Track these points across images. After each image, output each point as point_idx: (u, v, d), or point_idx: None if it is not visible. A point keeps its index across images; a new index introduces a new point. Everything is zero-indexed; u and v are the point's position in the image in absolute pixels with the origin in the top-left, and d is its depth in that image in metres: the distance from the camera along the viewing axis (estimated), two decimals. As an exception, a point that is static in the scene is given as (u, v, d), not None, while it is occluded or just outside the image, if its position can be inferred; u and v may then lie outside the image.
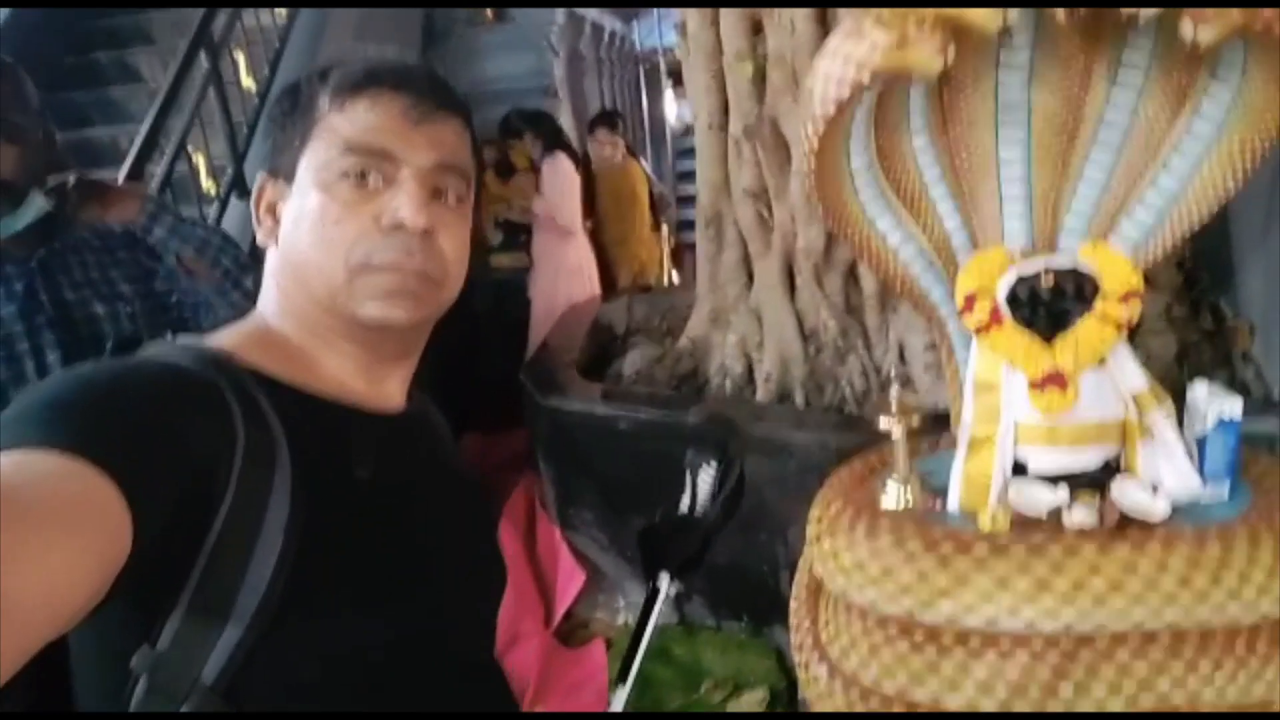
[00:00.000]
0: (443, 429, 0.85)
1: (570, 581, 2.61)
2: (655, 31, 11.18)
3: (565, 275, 4.22)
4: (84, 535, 0.50)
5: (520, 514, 2.87)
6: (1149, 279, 2.29)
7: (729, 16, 2.27)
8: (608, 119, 4.89)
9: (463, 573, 0.76)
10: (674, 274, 4.14)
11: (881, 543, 1.35)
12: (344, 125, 0.67)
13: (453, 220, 0.71)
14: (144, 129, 2.91)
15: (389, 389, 0.74)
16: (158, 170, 3.12)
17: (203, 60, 3.37)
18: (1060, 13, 1.23)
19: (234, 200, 3.47)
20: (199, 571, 0.57)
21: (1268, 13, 1.20)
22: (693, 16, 2.40)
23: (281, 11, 4.14)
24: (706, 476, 1.08)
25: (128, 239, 1.51)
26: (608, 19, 8.58)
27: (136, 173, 2.83)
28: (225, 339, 0.69)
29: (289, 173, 0.69)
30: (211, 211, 3.37)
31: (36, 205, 1.37)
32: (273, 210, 0.71)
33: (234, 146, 3.51)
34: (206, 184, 3.45)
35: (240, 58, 3.83)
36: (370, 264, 0.67)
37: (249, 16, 3.91)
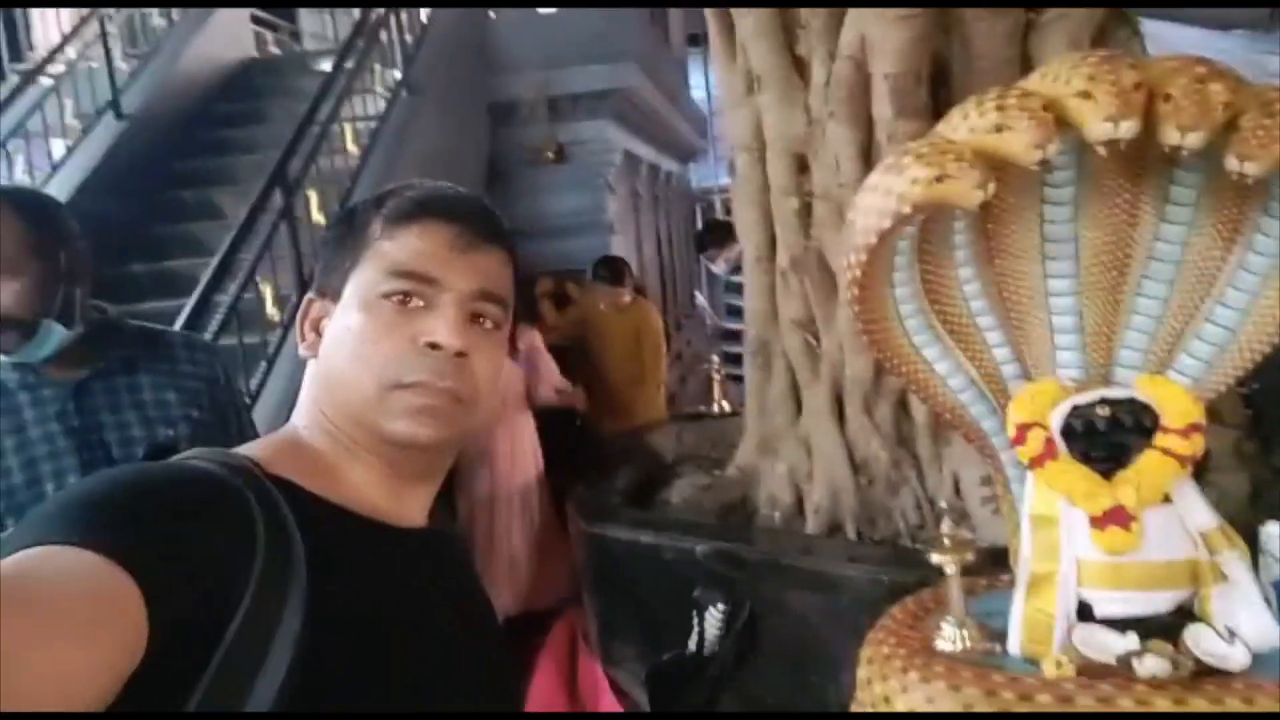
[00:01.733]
0: (462, 551, 0.86)
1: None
2: (712, 172, 11.62)
3: (522, 454, 3.83)
4: (99, 630, 0.50)
5: (562, 649, 2.79)
6: (1216, 415, 2.22)
7: (775, 154, 2.34)
8: (609, 266, 4.83)
9: (473, 695, 0.74)
10: (724, 403, 4.12)
11: (936, 689, 1.27)
12: (393, 250, 0.71)
13: (488, 345, 0.73)
14: (216, 260, 3.08)
15: (411, 507, 0.75)
16: (226, 298, 3.28)
17: (277, 197, 3.59)
18: (1101, 146, 1.24)
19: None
20: (208, 679, 0.56)
21: (1316, 146, 1.19)
22: (741, 155, 2.49)
23: (354, 153, 4.42)
24: (714, 616, 1.04)
25: (175, 361, 1.53)
26: (664, 160, 8.95)
27: (206, 299, 2.98)
28: (257, 448, 0.71)
29: (336, 292, 0.73)
30: (274, 337, 3.51)
31: (56, 334, 1.40)
32: (316, 326, 0.74)
33: (300, 277, 3.69)
34: (271, 311, 3.61)
35: (313, 195, 4.07)
36: (402, 382, 0.68)
37: (324, 159, 4.17)
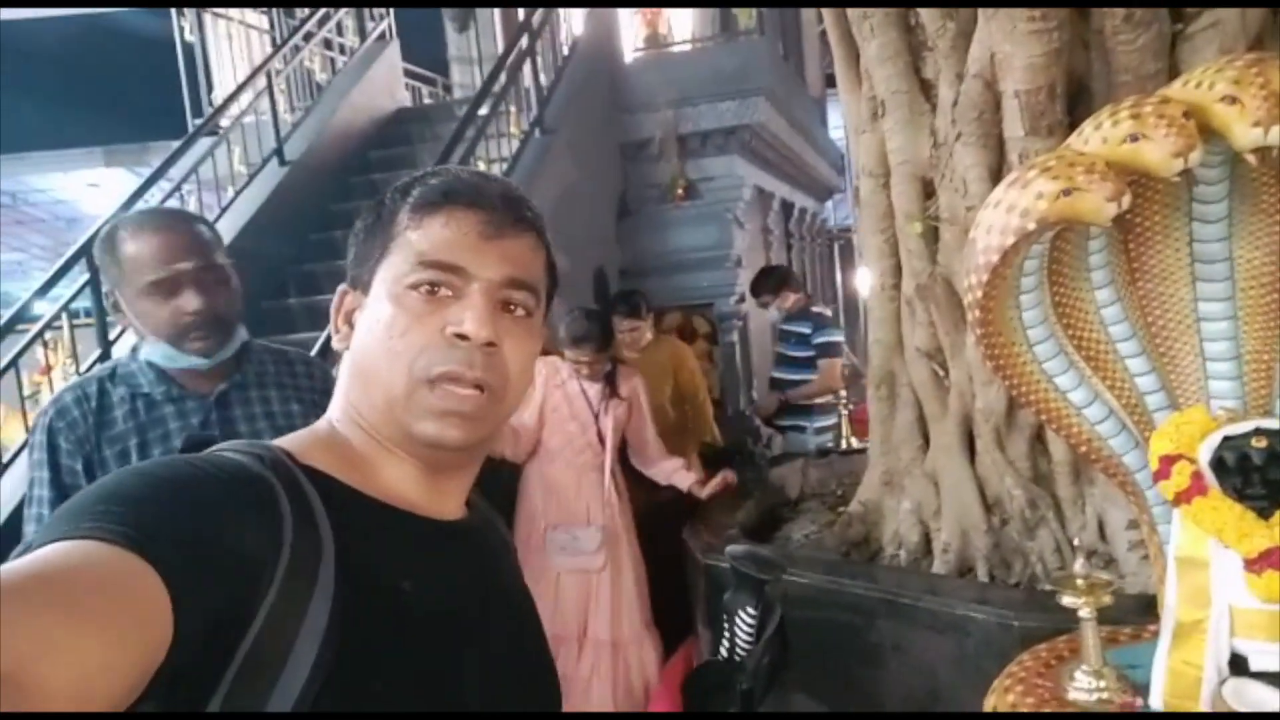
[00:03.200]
0: (501, 542, 0.83)
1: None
2: (852, 211, 11.50)
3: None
4: (124, 626, 0.50)
5: (679, 679, 2.74)
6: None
7: (900, 179, 2.28)
8: (627, 300, 3.96)
9: (507, 691, 0.72)
10: (853, 440, 4.00)
11: (1067, 741, 1.18)
12: (420, 240, 0.70)
13: (520, 333, 0.71)
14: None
15: (446, 500, 0.74)
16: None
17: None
18: (1251, 155, 1.14)
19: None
20: (234, 671, 0.56)
21: None
22: (866, 181, 2.43)
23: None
24: (745, 621, 0.99)
25: (296, 375, 1.63)
26: (800, 196, 8.88)
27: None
28: (291, 441, 0.71)
29: (366, 284, 0.72)
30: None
31: (239, 338, 1.53)
32: (349, 318, 0.73)
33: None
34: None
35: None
36: (430, 374, 0.67)
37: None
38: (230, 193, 5.20)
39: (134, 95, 8.66)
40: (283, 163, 5.35)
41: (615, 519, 3.06)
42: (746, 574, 1.04)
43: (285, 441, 0.71)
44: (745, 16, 6.72)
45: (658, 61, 6.91)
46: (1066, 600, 1.30)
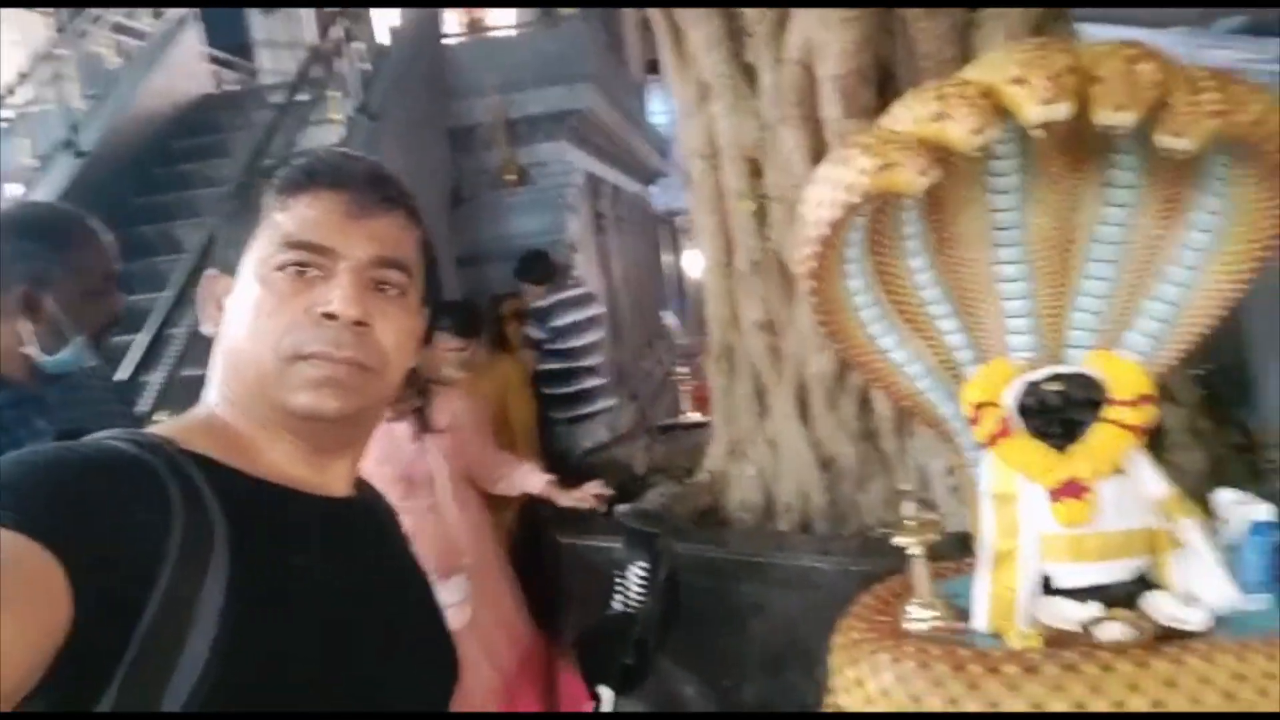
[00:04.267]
0: (391, 518, 0.83)
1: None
2: (677, 195, 11.75)
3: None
4: (24, 608, 0.50)
5: (538, 669, 2.76)
6: (1170, 395, 2.28)
7: (729, 160, 2.38)
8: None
9: (407, 665, 0.73)
10: (696, 415, 4.14)
11: (905, 668, 1.29)
12: (285, 221, 0.69)
13: (394, 312, 0.71)
14: (171, 293, 3.04)
15: (332, 477, 0.73)
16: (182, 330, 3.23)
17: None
18: (1038, 130, 1.28)
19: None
20: (132, 654, 0.56)
21: (1245, 118, 1.23)
22: (696, 163, 2.52)
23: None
24: (636, 575, 1.04)
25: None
26: (627, 181, 9.00)
27: (160, 333, 2.93)
28: (167, 426, 0.70)
29: (234, 267, 0.71)
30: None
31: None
32: (219, 303, 0.73)
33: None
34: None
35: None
36: (299, 353, 0.67)
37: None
38: (21, 188, 4.75)
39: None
40: (78, 154, 4.92)
41: (481, 554, 2.79)
42: (635, 529, 1.08)
43: (163, 428, 0.69)
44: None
45: (482, 47, 6.84)
46: (898, 540, 1.42)
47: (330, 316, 0.67)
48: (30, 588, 0.51)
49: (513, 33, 7.48)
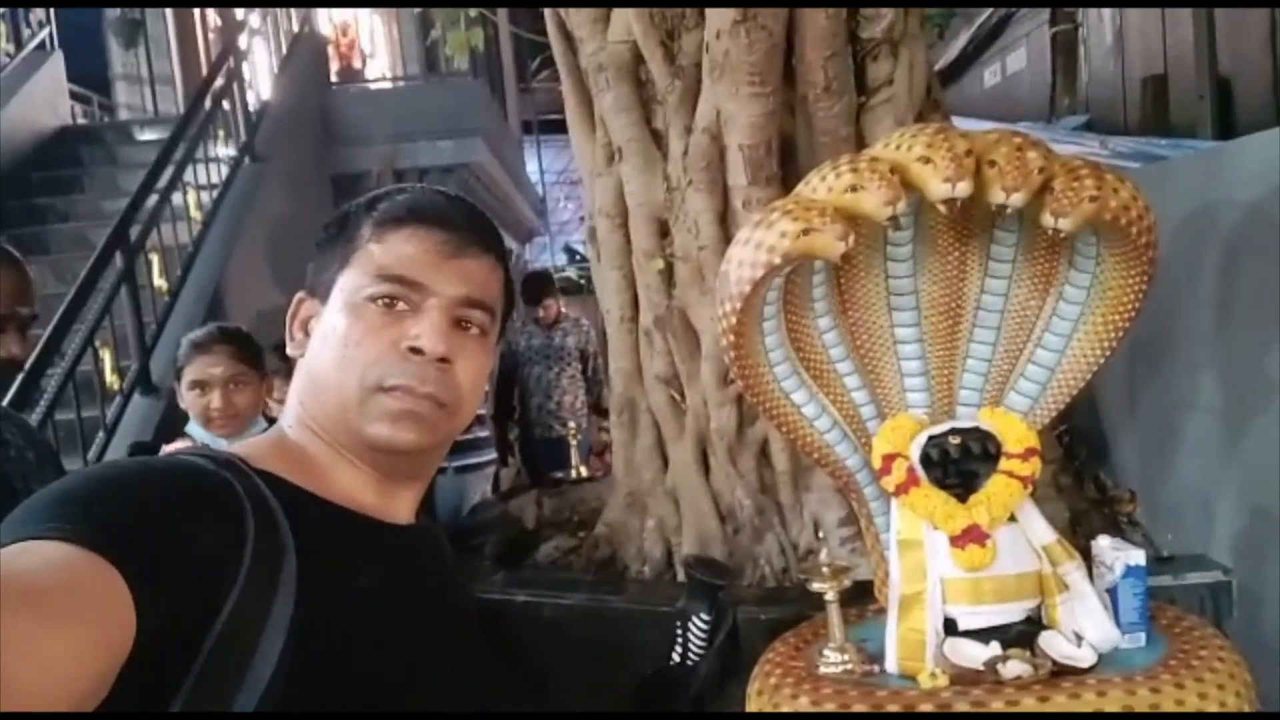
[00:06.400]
0: (447, 550, 0.85)
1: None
2: (548, 252, 11.89)
3: None
4: (87, 624, 0.50)
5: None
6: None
7: (638, 220, 2.46)
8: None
9: (461, 690, 0.74)
10: (582, 469, 4.15)
11: (827, 709, 1.34)
12: (381, 254, 0.71)
13: (474, 350, 0.73)
14: (47, 331, 2.87)
15: (398, 507, 0.75)
16: (62, 365, 3.05)
17: (118, 261, 3.39)
18: (942, 205, 1.40)
19: (136, 397, 3.38)
20: (199, 667, 0.55)
21: (1114, 203, 1.40)
22: (602, 221, 2.59)
23: (197, 219, 4.22)
24: (698, 627, 1.06)
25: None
26: (507, 238, 9.03)
27: (41, 368, 2.76)
28: (243, 447, 0.70)
29: (325, 293, 0.73)
30: (113, 408, 3.27)
31: None
32: (305, 326, 0.74)
33: (142, 343, 3.46)
34: (111, 379, 3.37)
35: (155, 260, 3.86)
36: (383, 385, 0.68)
37: (166, 225, 3.96)
38: None
39: None
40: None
41: None
42: (700, 580, 1.09)
43: (238, 448, 0.69)
44: (459, 54, 6.82)
45: (369, 96, 6.79)
46: (815, 586, 1.49)
47: (417, 351, 0.69)
48: (89, 602, 0.50)
49: (402, 84, 7.47)
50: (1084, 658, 1.33)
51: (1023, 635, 1.41)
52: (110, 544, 0.52)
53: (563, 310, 4.76)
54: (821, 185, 1.50)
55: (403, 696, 0.67)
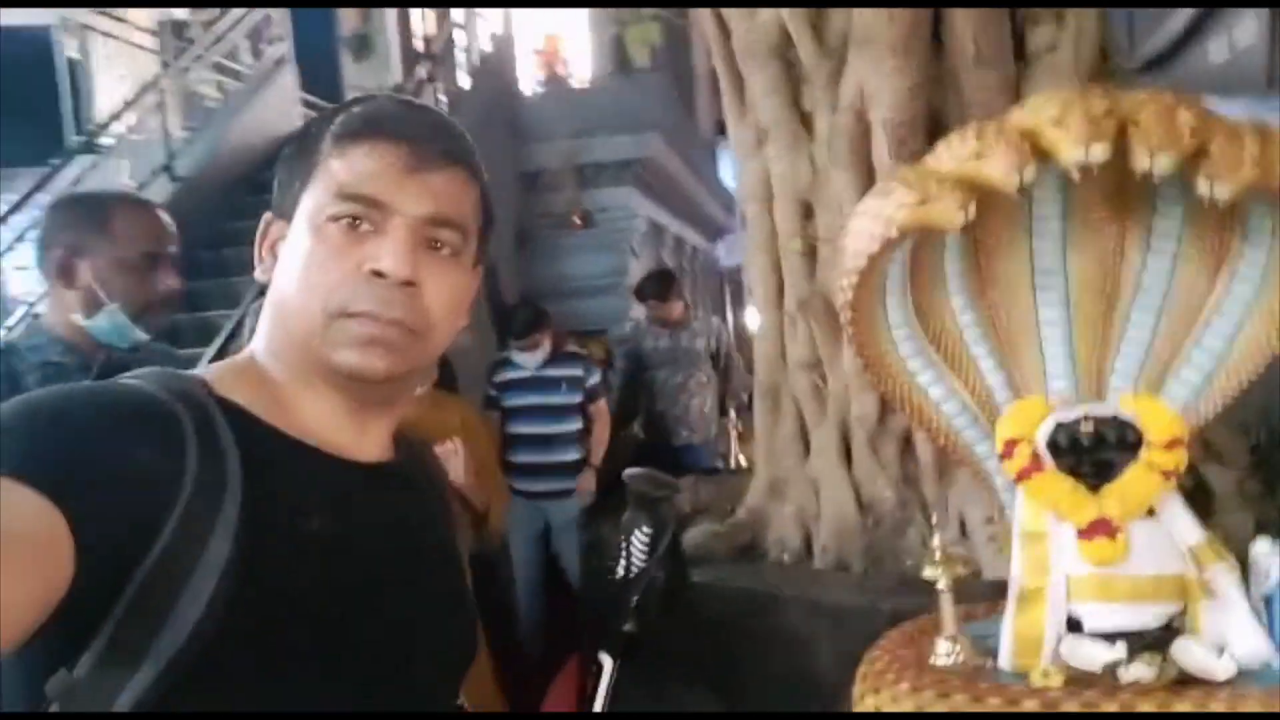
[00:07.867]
0: (429, 485, 0.80)
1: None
2: (742, 251, 11.86)
3: None
4: (27, 560, 0.49)
5: (569, 694, 2.77)
6: (1219, 457, 2.23)
7: (783, 202, 2.43)
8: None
9: (420, 641, 0.70)
10: (740, 459, 4.14)
11: (925, 696, 1.29)
12: (341, 170, 0.66)
13: (444, 271, 0.68)
14: (239, 311, 3.17)
15: (369, 438, 0.71)
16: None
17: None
18: (1076, 171, 1.30)
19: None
20: (125, 603, 0.54)
21: (1281, 169, 1.24)
22: (750, 205, 2.58)
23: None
24: (640, 540, 1.04)
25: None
26: (691, 233, 9.12)
27: (225, 348, 3.08)
28: (209, 369, 0.69)
29: (289, 213, 0.69)
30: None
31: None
32: (274, 248, 0.70)
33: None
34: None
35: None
36: (347, 310, 0.65)
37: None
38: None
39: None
40: (173, 179, 5.23)
41: None
42: (641, 493, 1.08)
43: (204, 371, 0.68)
44: (640, 55, 6.98)
45: (556, 94, 7.07)
46: (926, 573, 1.43)
47: (380, 274, 0.65)
48: (29, 538, 0.50)
49: (587, 84, 7.73)
50: (1221, 670, 1.20)
51: (1158, 642, 1.29)
52: (47, 478, 0.52)
53: (690, 310, 4.52)
54: (947, 154, 1.43)
55: (344, 645, 0.63)
